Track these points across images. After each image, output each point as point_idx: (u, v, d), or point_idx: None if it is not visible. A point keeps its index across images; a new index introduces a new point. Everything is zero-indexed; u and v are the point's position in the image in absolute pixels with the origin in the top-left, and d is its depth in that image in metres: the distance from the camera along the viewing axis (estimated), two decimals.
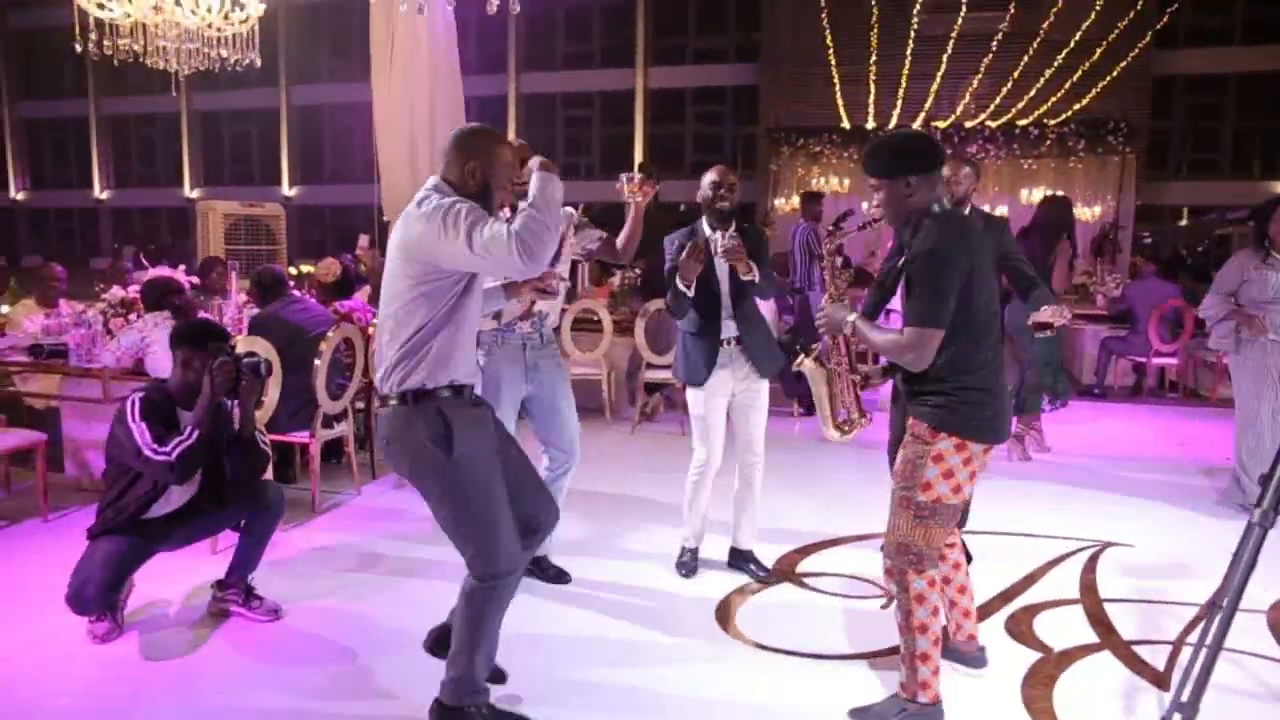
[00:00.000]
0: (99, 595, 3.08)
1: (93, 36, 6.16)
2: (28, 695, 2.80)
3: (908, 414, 2.70)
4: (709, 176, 3.75)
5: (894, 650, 3.16)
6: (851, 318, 2.74)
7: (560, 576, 3.76)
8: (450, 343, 2.46)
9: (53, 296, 5.70)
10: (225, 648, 3.15)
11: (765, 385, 3.83)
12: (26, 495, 4.65)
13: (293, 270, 10.67)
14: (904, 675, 2.68)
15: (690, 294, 3.63)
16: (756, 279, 3.65)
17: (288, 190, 25.78)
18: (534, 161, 2.52)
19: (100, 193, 28.45)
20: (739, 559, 3.94)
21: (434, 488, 2.48)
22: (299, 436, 4.60)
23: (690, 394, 3.83)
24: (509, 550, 2.50)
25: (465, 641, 2.55)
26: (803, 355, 3.05)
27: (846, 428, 3.04)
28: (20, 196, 29.82)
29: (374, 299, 6.12)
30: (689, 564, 3.91)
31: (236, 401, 3.19)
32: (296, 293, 5.13)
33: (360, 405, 5.38)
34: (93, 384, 4.51)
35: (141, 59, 6.18)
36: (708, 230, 3.74)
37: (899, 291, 2.75)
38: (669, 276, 3.67)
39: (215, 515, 3.35)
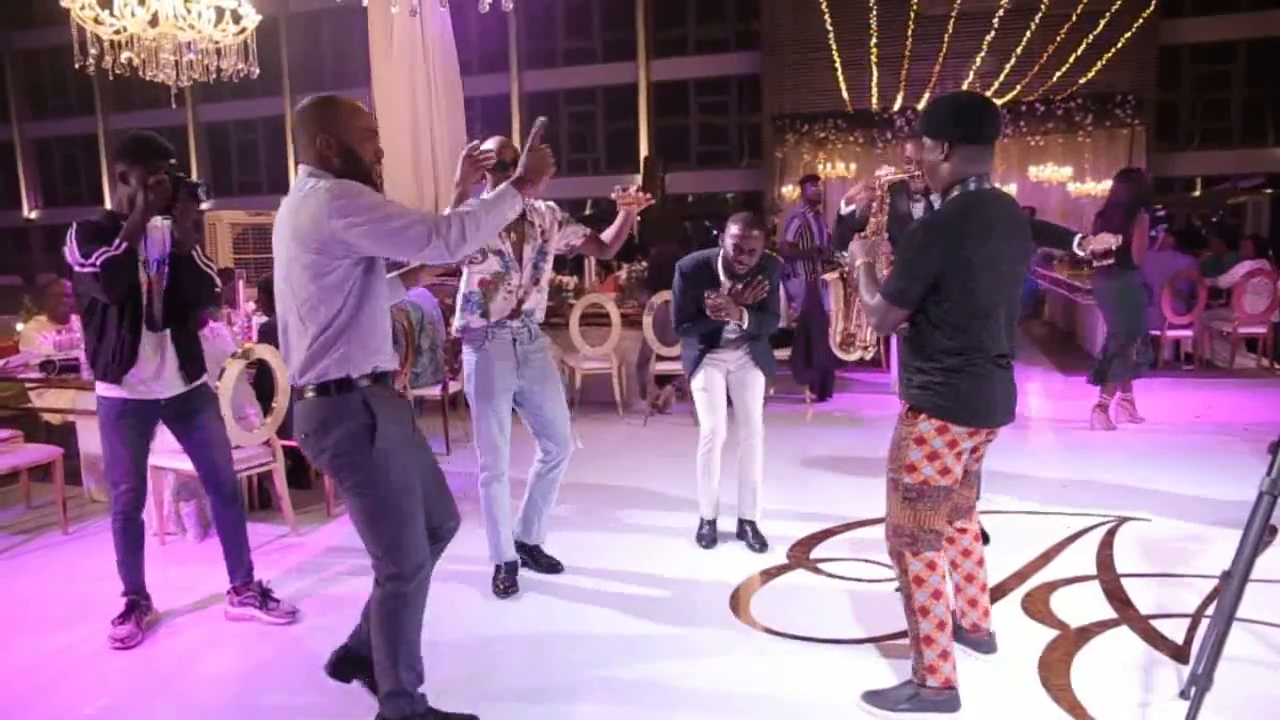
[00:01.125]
0: (123, 470, 3.18)
1: (93, 52, 6.20)
2: (53, 705, 2.84)
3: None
4: (732, 229, 3.88)
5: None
6: (860, 261, 2.76)
7: (553, 567, 3.81)
8: (368, 326, 2.40)
9: (63, 312, 5.75)
10: (245, 651, 3.17)
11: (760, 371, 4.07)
12: (46, 509, 4.70)
13: None
14: (913, 659, 2.68)
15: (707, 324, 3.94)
16: (745, 325, 3.89)
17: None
18: (523, 159, 2.49)
19: (113, 208, 28.69)
20: (741, 529, 4.11)
21: (351, 480, 2.39)
22: None
23: (694, 382, 4.06)
24: (418, 549, 2.45)
25: (388, 655, 2.47)
26: (833, 270, 3.14)
27: (847, 346, 3.07)
28: (33, 215, 30.08)
29: None
30: (708, 535, 4.07)
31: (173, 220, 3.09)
32: None
33: None
34: None
35: (141, 73, 6.21)
36: (720, 268, 3.97)
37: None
38: (681, 304, 3.99)
39: (202, 401, 3.33)
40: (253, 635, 3.29)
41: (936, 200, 2.75)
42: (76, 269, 2.96)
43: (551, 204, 3.66)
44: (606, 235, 3.69)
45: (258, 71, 6.68)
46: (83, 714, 2.78)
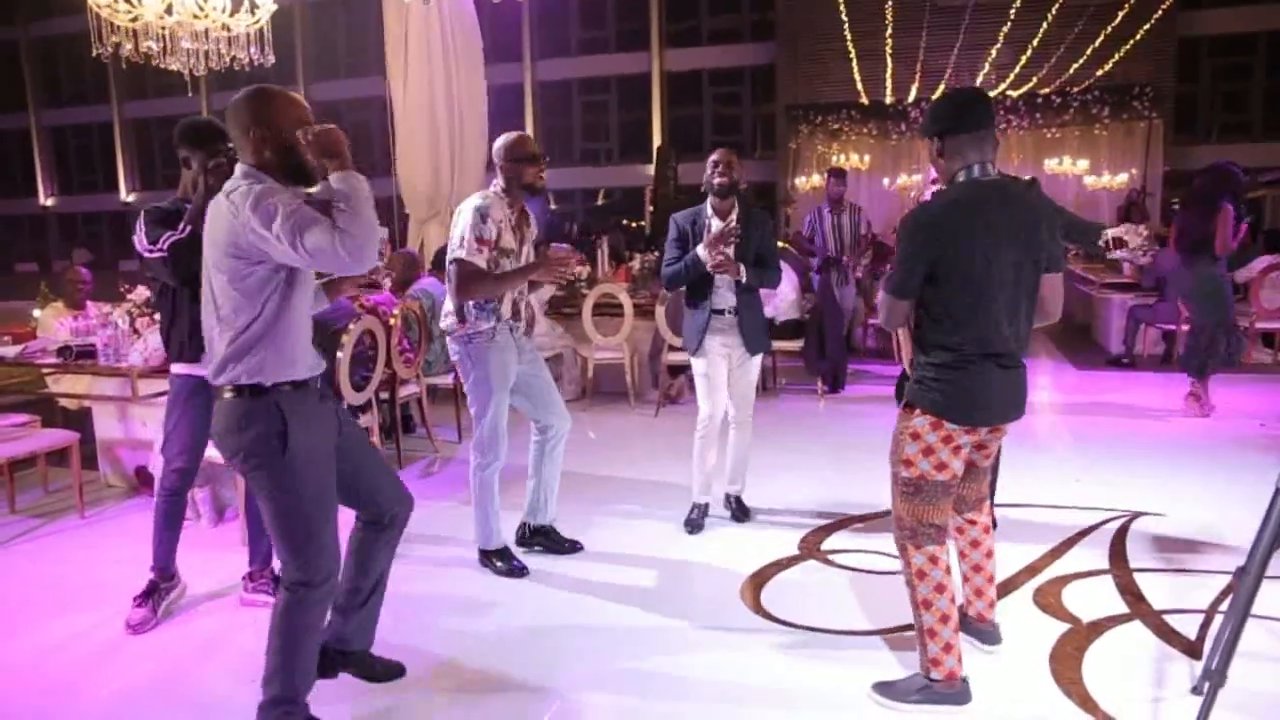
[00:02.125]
0: (181, 446, 3.24)
1: (113, 39, 6.21)
2: (69, 688, 2.87)
3: None
4: (711, 156, 4.06)
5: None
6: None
7: (574, 546, 3.91)
8: (284, 338, 2.34)
9: (80, 299, 5.79)
10: (259, 637, 3.19)
11: (758, 359, 4.19)
12: (63, 493, 4.74)
13: None
14: (919, 651, 2.68)
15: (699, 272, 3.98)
16: (743, 279, 3.96)
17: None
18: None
19: (127, 196, 28.83)
20: (727, 501, 4.34)
21: (263, 483, 2.35)
22: None
23: (697, 362, 4.16)
24: (326, 559, 2.41)
25: (281, 662, 2.43)
26: None
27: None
28: (50, 203, 30.28)
29: (397, 289, 6.16)
30: (697, 521, 4.18)
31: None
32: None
33: (384, 396, 5.43)
34: (122, 383, 4.59)
35: (155, 61, 6.23)
36: (710, 213, 4.06)
37: None
38: (671, 254, 4.08)
39: None
40: (266, 621, 3.31)
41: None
42: (145, 254, 3.07)
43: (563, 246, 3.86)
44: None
45: (272, 59, 6.69)
46: (98, 696, 2.81)
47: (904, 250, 2.55)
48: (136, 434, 4.84)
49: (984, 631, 2.97)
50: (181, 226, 3.05)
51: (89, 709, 2.75)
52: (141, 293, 4.88)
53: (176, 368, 3.25)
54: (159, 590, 3.33)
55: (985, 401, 2.57)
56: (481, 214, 3.48)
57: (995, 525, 3.95)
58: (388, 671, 2.81)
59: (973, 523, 2.92)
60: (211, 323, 2.35)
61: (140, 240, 3.08)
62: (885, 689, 2.71)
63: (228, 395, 2.34)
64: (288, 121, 2.32)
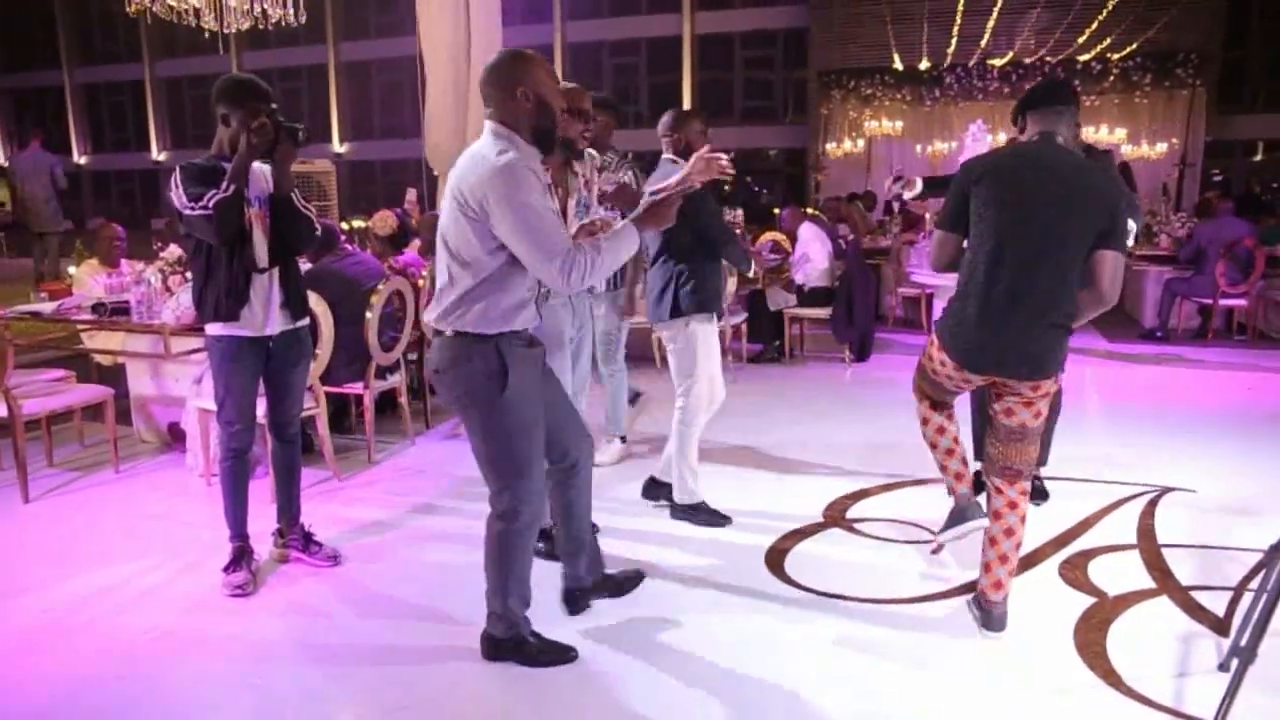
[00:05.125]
0: (236, 409, 3.23)
1: (148, 2, 6.23)
2: (102, 637, 2.94)
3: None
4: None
5: (944, 594, 3.17)
6: None
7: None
8: (509, 294, 2.50)
9: (115, 256, 5.86)
10: (288, 590, 3.26)
11: None
12: (98, 448, 4.83)
13: (344, 225, 10.81)
14: None
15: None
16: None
17: (338, 147, 26.00)
18: (648, 202, 2.62)
19: (158, 154, 29.01)
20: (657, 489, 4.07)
21: (478, 421, 2.54)
22: (353, 388, 4.69)
23: (703, 327, 3.76)
24: (534, 491, 2.61)
25: (495, 581, 2.67)
26: None
27: None
28: (83, 161, 30.55)
29: (425, 252, 6.17)
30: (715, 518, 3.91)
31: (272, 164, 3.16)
32: (349, 246, 5.20)
33: (413, 357, 5.47)
34: (155, 340, 4.65)
35: (185, 20, 6.23)
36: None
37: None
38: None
39: (301, 345, 3.38)
40: (301, 574, 3.38)
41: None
42: (186, 212, 2.99)
43: (591, 151, 3.64)
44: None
45: (304, 18, 6.68)
46: (138, 640, 2.88)
47: (952, 184, 2.82)
48: (169, 390, 4.91)
49: (985, 613, 2.90)
50: (225, 185, 2.99)
51: (125, 651, 2.82)
52: (174, 251, 4.92)
53: (213, 328, 3.19)
54: (248, 553, 3.34)
55: (977, 347, 2.74)
56: None
57: (1046, 496, 3.96)
58: (631, 580, 3.18)
59: (1000, 492, 2.88)
60: (446, 268, 2.52)
61: (180, 197, 3.02)
62: (946, 519, 3.09)
63: (449, 335, 2.52)
64: (549, 88, 2.50)
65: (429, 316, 2.59)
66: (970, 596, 3.02)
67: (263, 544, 3.49)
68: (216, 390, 3.27)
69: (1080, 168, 2.71)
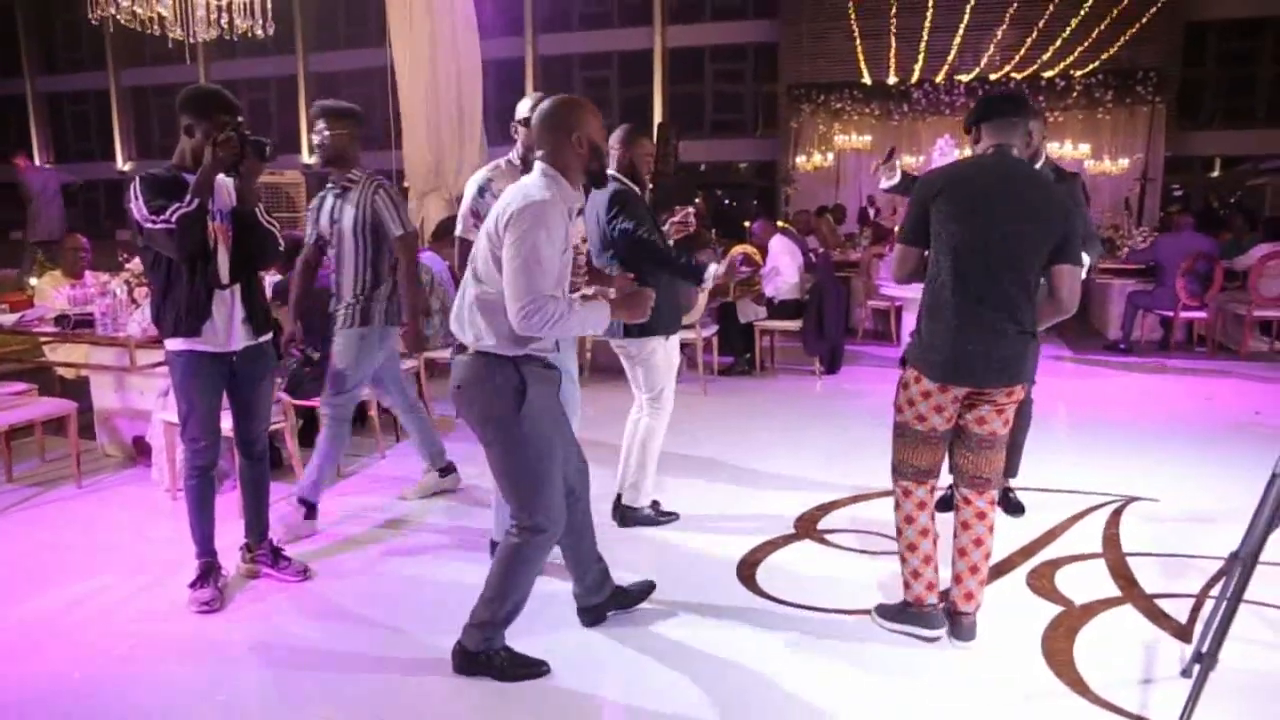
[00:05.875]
0: (200, 426, 3.16)
1: (111, 11, 6.16)
2: (63, 655, 2.89)
3: None
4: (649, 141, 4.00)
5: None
6: None
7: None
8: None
9: (79, 267, 5.77)
10: (256, 606, 3.22)
11: None
12: (59, 463, 4.75)
13: None
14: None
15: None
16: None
17: (308, 158, 25.80)
18: (626, 298, 2.75)
19: (123, 164, 28.62)
20: (655, 506, 4.05)
21: (496, 436, 2.60)
22: None
23: (661, 344, 3.84)
24: (553, 507, 2.66)
25: (496, 589, 2.69)
26: None
27: None
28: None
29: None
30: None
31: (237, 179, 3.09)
32: None
33: None
34: (120, 352, 4.58)
35: (149, 29, 6.17)
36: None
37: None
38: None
39: (264, 360, 3.31)
40: (269, 590, 3.34)
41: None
42: (147, 225, 2.91)
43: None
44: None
45: (272, 29, 6.64)
46: (104, 655, 2.83)
47: (912, 201, 2.84)
48: (134, 404, 4.84)
49: (957, 625, 2.92)
50: (189, 198, 2.92)
51: (83, 674, 2.77)
52: (140, 263, 4.85)
53: (173, 344, 3.11)
54: (214, 569, 3.28)
55: (953, 360, 2.74)
56: (481, 188, 3.41)
57: (1021, 510, 4.01)
58: (641, 592, 3.17)
59: (968, 501, 2.91)
60: (472, 291, 2.58)
61: (140, 209, 2.93)
62: (881, 610, 3.05)
63: (473, 354, 2.59)
64: (599, 133, 2.66)
65: (454, 330, 2.65)
66: (940, 605, 3.04)
67: (230, 558, 3.44)
68: (179, 407, 3.20)
69: (1034, 179, 2.81)
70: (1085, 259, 3.71)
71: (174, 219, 2.89)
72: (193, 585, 3.22)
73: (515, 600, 2.72)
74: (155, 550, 3.67)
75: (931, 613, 2.92)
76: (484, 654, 2.72)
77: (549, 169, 2.59)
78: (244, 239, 3.15)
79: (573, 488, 2.87)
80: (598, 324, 2.63)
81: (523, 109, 3.44)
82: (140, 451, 4.78)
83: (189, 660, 2.85)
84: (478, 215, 3.36)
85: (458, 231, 3.43)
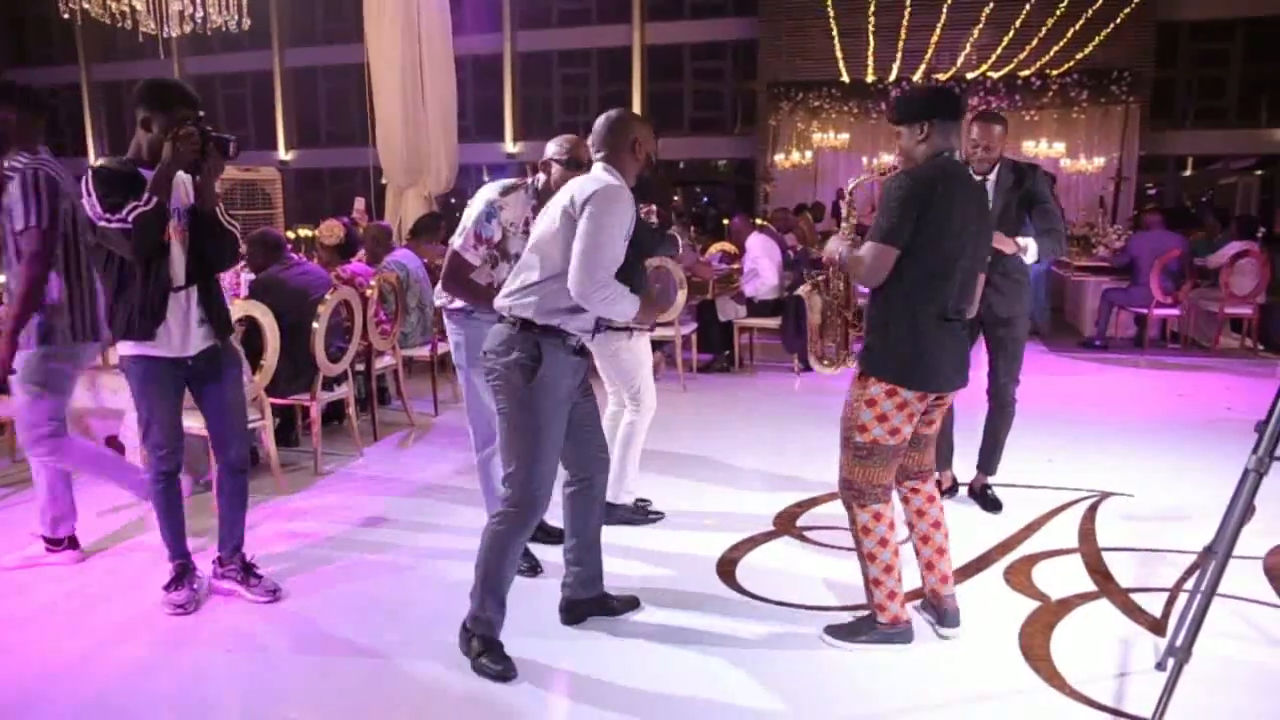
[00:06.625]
0: (162, 433, 3.05)
1: (84, 4, 6.06)
2: (33, 657, 2.85)
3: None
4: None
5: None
6: (843, 247, 2.88)
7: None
8: (570, 299, 2.65)
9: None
10: (231, 606, 3.19)
11: None
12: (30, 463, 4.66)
13: (290, 234, 10.64)
14: (866, 598, 2.91)
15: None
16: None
17: (284, 154, 25.58)
18: (657, 296, 2.71)
19: (96, 160, 28.30)
20: (640, 506, 4.05)
21: (506, 405, 2.71)
22: (300, 399, 4.61)
23: (635, 342, 3.82)
24: (539, 488, 2.71)
25: (481, 575, 2.75)
26: (808, 282, 3.21)
27: (827, 362, 3.18)
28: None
29: (371, 262, 6.10)
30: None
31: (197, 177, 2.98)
32: (295, 256, 5.11)
33: (360, 368, 5.39)
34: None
35: (120, 23, 6.09)
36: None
37: None
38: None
39: (222, 360, 3.19)
40: (241, 599, 3.30)
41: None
42: (101, 224, 2.79)
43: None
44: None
45: (248, 24, 6.57)
46: (73, 660, 2.79)
47: (895, 200, 2.66)
48: (107, 403, 4.75)
49: (941, 613, 2.96)
50: (146, 197, 2.78)
51: (47, 686, 2.73)
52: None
53: (125, 348, 2.98)
54: (189, 570, 3.21)
55: (937, 368, 2.74)
56: (489, 213, 3.28)
57: (999, 507, 4.07)
58: (625, 604, 3.14)
59: (916, 491, 2.98)
60: (530, 262, 2.72)
61: (94, 205, 2.78)
62: (835, 631, 2.94)
63: (507, 321, 2.71)
64: (651, 145, 2.92)
65: (499, 301, 2.77)
66: (918, 602, 3.07)
67: (203, 561, 3.39)
68: (140, 414, 3.07)
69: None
70: (1034, 249, 3.78)
71: (130, 219, 2.77)
72: (167, 588, 3.16)
73: (492, 586, 2.75)
74: (128, 551, 3.62)
75: (907, 629, 2.89)
76: (481, 639, 2.76)
77: (609, 168, 2.81)
78: (202, 241, 3.03)
79: (591, 478, 2.97)
80: (630, 313, 2.73)
81: (551, 149, 3.38)
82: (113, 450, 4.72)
83: (163, 662, 2.82)
84: (479, 238, 3.28)
85: (455, 245, 3.33)
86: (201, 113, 2.96)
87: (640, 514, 4.00)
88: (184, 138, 2.84)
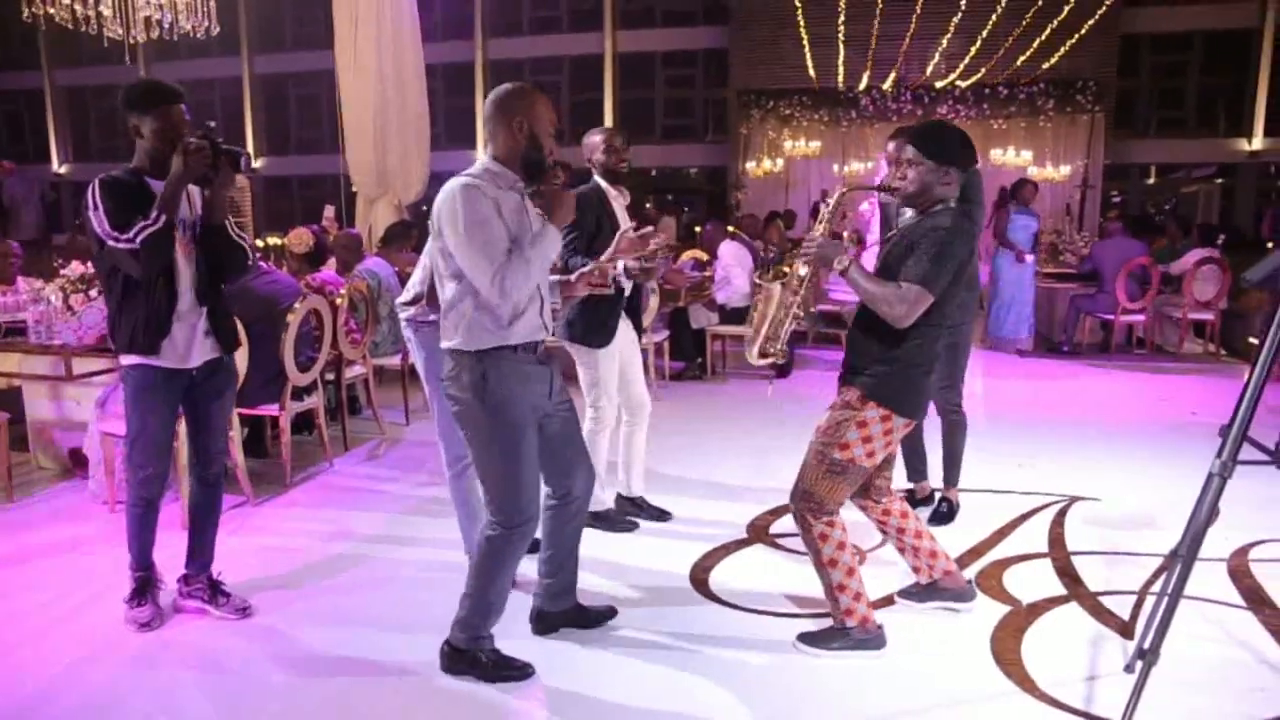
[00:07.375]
0: (151, 450, 2.98)
1: (49, 8, 5.97)
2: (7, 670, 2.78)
3: (841, 386, 2.89)
4: (598, 137, 3.93)
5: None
6: (847, 260, 2.79)
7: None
8: (499, 311, 2.57)
9: (10, 273, 5.58)
10: (200, 619, 3.13)
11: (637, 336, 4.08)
12: None
13: (259, 243, 10.53)
14: (830, 607, 2.91)
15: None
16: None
17: (254, 162, 25.33)
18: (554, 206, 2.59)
19: (59, 167, 27.80)
20: (631, 506, 4.10)
21: (467, 428, 2.66)
22: (269, 409, 4.55)
23: (589, 354, 3.80)
24: (523, 504, 2.66)
25: (474, 586, 2.71)
26: (770, 273, 3.13)
27: (768, 353, 3.11)
28: None
29: (343, 271, 6.04)
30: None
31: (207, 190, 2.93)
32: (264, 264, 5.05)
33: (330, 377, 5.34)
34: (55, 361, 4.44)
35: (84, 28, 6.00)
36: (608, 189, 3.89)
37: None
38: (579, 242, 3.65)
39: (225, 375, 3.16)
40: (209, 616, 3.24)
41: (908, 211, 3.05)
42: (109, 242, 2.72)
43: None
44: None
45: (217, 29, 6.50)
46: (46, 676, 2.73)
47: (948, 250, 2.68)
48: (70, 414, 4.68)
49: (960, 592, 3.14)
50: (155, 215, 2.72)
51: (18, 699, 2.67)
52: (75, 268, 4.71)
53: (128, 359, 2.92)
54: (152, 584, 3.13)
55: (927, 398, 2.94)
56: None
57: (953, 516, 4.07)
58: (600, 616, 3.10)
59: (888, 512, 3.09)
60: (440, 289, 2.65)
61: (102, 222, 2.71)
62: (808, 639, 2.93)
63: (448, 351, 2.65)
64: (545, 121, 2.66)
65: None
66: (917, 602, 3.20)
67: (171, 574, 3.33)
68: (129, 424, 3.00)
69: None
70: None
71: (139, 240, 2.71)
72: (128, 601, 3.08)
73: (492, 596, 2.72)
74: (94, 565, 3.55)
75: (879, 633, 2.90)
76: (470, 652, 2.73)
77: (486, 159, 2.66)
78: (211, 254, 2.98)
79: (574, 495, 2.90)
80: (553, 244, 2.58)
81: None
82: (77, 464, 4.63)
83: (131, 678, 2.76)
84: None
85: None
86: (212, 123, 2.90)
87: (619, 519, 4.02)
88: (194, 152, 2.77)
